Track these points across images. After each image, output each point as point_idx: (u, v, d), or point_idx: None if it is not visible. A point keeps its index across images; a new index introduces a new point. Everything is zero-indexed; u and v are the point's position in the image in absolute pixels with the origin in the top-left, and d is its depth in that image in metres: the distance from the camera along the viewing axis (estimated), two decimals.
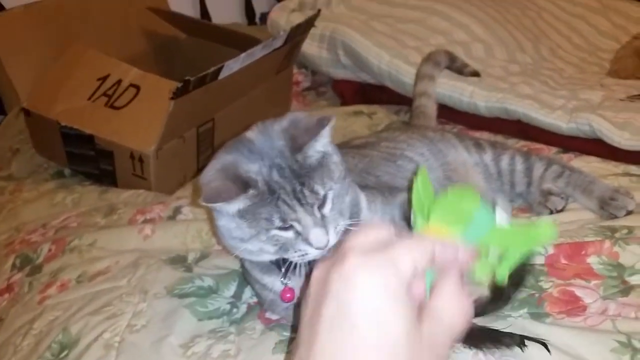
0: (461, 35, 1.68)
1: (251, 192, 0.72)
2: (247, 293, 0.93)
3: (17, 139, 1.65)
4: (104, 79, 1.38)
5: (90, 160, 1.37)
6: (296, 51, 1.60)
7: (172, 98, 1.20)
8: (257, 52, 1.34)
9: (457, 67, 1.50)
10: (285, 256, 0.76)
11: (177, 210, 1.20)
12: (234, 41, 1.57)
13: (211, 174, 0.76)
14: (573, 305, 0.76)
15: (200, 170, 1.41)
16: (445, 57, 1.49)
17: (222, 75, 1.27)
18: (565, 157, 1.20)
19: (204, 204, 0.72)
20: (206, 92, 1.27)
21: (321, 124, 0.75)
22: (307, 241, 0.73)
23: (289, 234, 0.74)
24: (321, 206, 0.74)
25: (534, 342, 0.68)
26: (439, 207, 0.57)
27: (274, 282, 0.82)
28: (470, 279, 0.62)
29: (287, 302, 0.81)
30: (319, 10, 1.56)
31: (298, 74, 1.86)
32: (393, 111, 1.61)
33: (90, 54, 1.43)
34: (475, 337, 0.69)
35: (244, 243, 0.75)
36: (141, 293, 0.94)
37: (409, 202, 0.61)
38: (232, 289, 0.94)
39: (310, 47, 1.71)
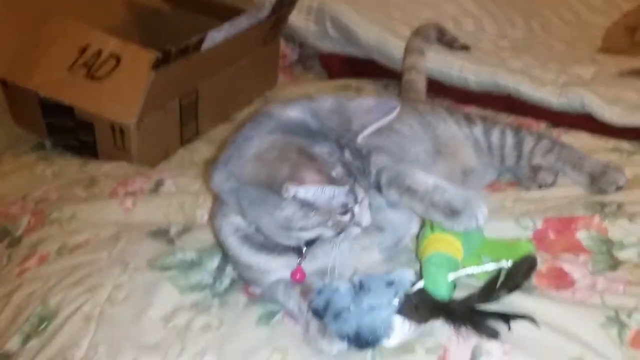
0: (451, 9, 1.66)
1: (339, 169, 0.69)
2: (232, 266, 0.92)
3: None
4: (83, 49, 1.34)
5: (70, 132, 1.34)
6: (283, 23, 1.56)
7: (152, 68, 1.17)
8: (241, 23, 1.31)
9: (447, 41, 1.47)
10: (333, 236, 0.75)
11: (159, 183, 1.18)
12: (220, 13, 1.52)
13: (290, 157, 0.69)
14: (561, 280, 0.75)
15: (184, 143, 1.40)
16: (435, 30, 1.47)
17: (205, 46, 1.24)
18: (555, 132, 1.19)
19: (289, 185, 0.67)
20: (188, 63, 1.24)
21: (389, 106, 0.73)
22: (357, 223, 0.74)
23: (347, 218, 0.73)
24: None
25: (521, 318, 0.66)
26: None
27: (270, 263, 0.80)
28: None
29: (297, 282, 0.80)
30: None
31: (285, 47, 1.82)
32: (381, 85, 1.58)
33: (71, 24, 1.38)
34: (458, 316, 0.67)
35: (303, 232, 0.73)
36: (122, 265, 0.93)
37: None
38: (215, 262, 0.92)
39: (297, 19, 1.67)
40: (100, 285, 0.89)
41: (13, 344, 0.85)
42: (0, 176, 1.35)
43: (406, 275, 0.72)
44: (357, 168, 0.71)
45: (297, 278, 0.79)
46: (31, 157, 1.40)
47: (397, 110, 0.73)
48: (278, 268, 0.80)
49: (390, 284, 0.71)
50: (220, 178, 0.76)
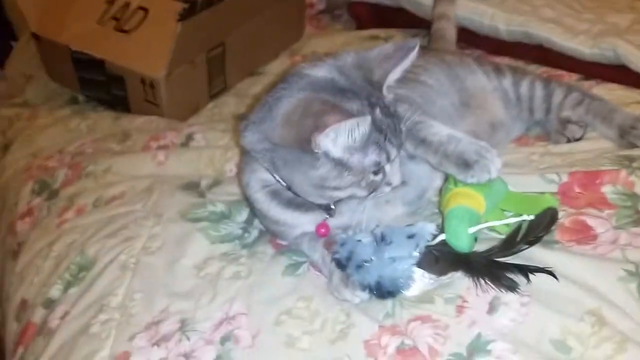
0: None
1: (367, 118, 0.69)
2: None
3: (29, 64, 1.64)
4: (111, 1, 1.35)
5: (102, 86, 1.36)
6: None
7: (179, 20, 1.17)
8: None
9: None
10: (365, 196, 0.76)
11: (189, 137, 1.20)
12: None
13: (317, 108, 0.69)
14: (584, 234, 0.76)
15: (212, 97, 1.41)
16: None
17: None
18: (587, 84, 1.16)
19: (316, 135, 0.67)
20: (214, 13, 1.24)
21: (407, 47, 0.73)
22: (388, 182, 0.75)
23: (379, 177, 0.74)
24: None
25: (540, 271, 0.68)
26: None
27: (297, 219, 0.83)
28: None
29: (322, 236, 0.82)
30: None
31: None
32: (411, 35, 1.55)
33: None
34: (478, 268, 0.69)
35: (337, 191, 0.74)
36: (155, 217, 0.96)
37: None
38: (244, 214, 0.95)
39: None
40: (135, 236, 0.93)
41: (55, 290, 0.91)
42: (38, 130, 1.40)
43: (427, 228, 0.74)
44: (388, 125, 0.72)
45: (322, 232, 0.81)
46: (66, 111, 1.45)
47: (416, 50, 0.73)
48: (305, 223, 0.82)
49: (411, 236, 0.72)
50: (253, 138, 0.77)
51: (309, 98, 0.71)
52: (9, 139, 1.42)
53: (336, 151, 0.70)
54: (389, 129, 0.71)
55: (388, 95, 0.74)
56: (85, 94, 1.45)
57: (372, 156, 0.71)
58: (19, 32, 1.93)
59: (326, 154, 0.70)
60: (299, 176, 0.75)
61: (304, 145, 0.69)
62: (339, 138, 0.69)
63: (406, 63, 0.74)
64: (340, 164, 0.71)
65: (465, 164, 0.74)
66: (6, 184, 1.28)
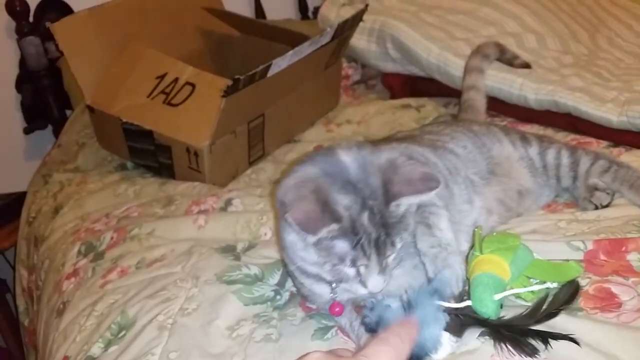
0: (513, 26, 1.66)
1: (334, 226, 0.71)
2: (290, 282, 0.98)
3: (82, 133, 1.76)
4: (162, 77, 1.46)
5: (150, 154, 1.46)
6: (344, 46, 1.63)
7: (223, 96, 1.26)
8: (304, 49, 1.38)
9: (508, 59, 1.49)
10: (335, 287, 0.78)
11: (228, 202, 1.26)
12: (284, 38, 1.61)
13: (302, 192, 0.73)
14: (608, 302, 0.76)
15: (251, 163, 1.49)
16: (495, 49, 1.48)
17: (271, 72, 1.32)
18: (615, 151, 1.18)
19: (291, 222, 0.70)
20: (256, 89, 1.33)
21: (428, 185, 0.74)
22: (363, 284, 0.75)
23: (351, 272, 0.75)
24: (389, 255, 0.75)
25: (563, 338, 0.68)
26: (489, 242, 0.80)
27: (322, 290, 0.83)
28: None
29: (335, 316, 0.83)
30: (367, 5, 1.58)
31: (348, 67, 1.89)
32: (442, 104, 1.61)
33: (149, 53, 1.51)
34: (501, 333, 0.70)
35: (305, 263, 0.77)
36: (193, 279, 1.01)
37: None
38: (276, 277, 0.99)
39: (359, 40, 1.73)
40: (173, 297, 0.97)
41: (96, 349, 0.95)
42: (87, 194, 1.49)
43: (445, 276, 0.75)
44: (368, 233, 0.72)
45: (337, 312, 0.82)
46: (114, 177, 1.54)
47: (434, 192, 0.74)
48: (322, 291, 0.83)
49: (433, 292, 0.74)
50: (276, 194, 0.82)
51: (312, 177, 0.75)
52: (60, 202, 1.51)
53: (296, 226, 0.71)
54: (365, 236, 0.72)
55: (395, 210, 0.74)
56: (133, 161, 1.54)
57: (338, 250, 0.72)
58: (75, 103, 2.08)
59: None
60: (282, 235, 0.79)
61: (281, 208, 0.73)
62: (300, 220, 0.70)
63: (424, 197, 0.75)
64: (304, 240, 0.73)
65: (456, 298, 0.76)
66: (55, 245, 1.35)
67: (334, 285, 0.80)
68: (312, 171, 0.76)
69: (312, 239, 0.71)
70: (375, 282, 0.75)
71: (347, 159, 0.77)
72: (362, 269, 0.74)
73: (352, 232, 0.72)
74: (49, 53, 2.14)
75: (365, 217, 0.72)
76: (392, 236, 0.74)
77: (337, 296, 0.82)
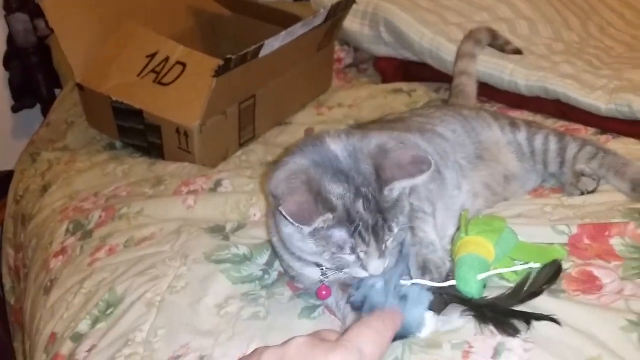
0: (506, 12, 1.66)
1: (329, 215, 0.72)
2: (279, 262, 0.98)
3: (72, 112, 1.75)
4: (152, 56, 1.45)
5: (139, 134, 1.45)
6: (337, 29, 1.62)
7: (214, 76, 1.25)
8: (297, 30, 1.38)
9: (500, 45, 1.49)
10: (336, 271, 0.79)
11: (218, 183, 1.26)
12: (277, 19, 1.61)
13: (294, 184, 0.73)
14: (590, 285, 0.77)
15: (242, 145, 1.49)
16: (487, 35, 1.48)
17: (263, 53, 1.32)
18: (603, 138, 1.19)
19: (285, 214, 0.70)
20: (247, 69, 1.32)
21: (420, 168, 0.74)
22: (364, 268, 0.76)
23: (351, 258, 0.76)
24: (388, 239, 0.76)
25: (545, 319, 0.70)
26: (475, 225, 0.81)
27: (311, 272, 0.85)
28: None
29: (322, 299, 0.84)
30: None
31: (340, 50, 1.88)
32: (433, 89, 1.62)
33: (140, 31, 1.50)
34: (484, 314, 0.71)
35: (304, 253, 0.78)
36: (182, 258, 1.01)
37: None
38: (265, 257, 0.99)
39: (352, 24, 1.72)
40: (162, 276, 0.98)
41: (84, 325, 0.95)
42: (76, 173, 1.48)
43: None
44: (364, 220, 0.73)
45: (323, 295, 0.83)
46: (103, 156, 1.53)
47: (426, 175, 0.74)
48: (312, 274, 0.85)
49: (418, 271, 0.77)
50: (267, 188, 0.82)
51: (303, 168, 0.75)
52: (48, 181, 1.50)
53: (290, 217, 0.72)
54: (362, 223, 0.72)
55: (389, 194, 0.75)
56: (123, 141, 1.53)
57: (336, 239, 0.73)
58: (64, 82, 2.06)
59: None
60: (279, 227, 0.79)
61: (276, 202, 0.74)
62: (294, 212, 0.71)
63: (417, 180, 0.75)
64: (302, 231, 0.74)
65: (424, 270, 0.78)
66: (43, 224, 1.35)
67: (324, 269, 0.81)
68: (302, 162, 0.76)
69: (308, 229, 0.72)
70: (375, 265, 0.76)
71: (337, 147, 0.77)
72: (362, 255, 0.75)
73: (348, 220, 0.72)
74: (38, 31, 2.12)
75: (360, 205, 0.73)
76: (389, 221, 0.75)
77: (327, 279, 0.83)
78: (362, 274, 0.77)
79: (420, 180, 0.75)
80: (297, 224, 0.71)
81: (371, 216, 0.73)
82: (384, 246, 0.75)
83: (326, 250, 0.75)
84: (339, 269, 0.77)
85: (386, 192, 0.75)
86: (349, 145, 0.77)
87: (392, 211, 0.75)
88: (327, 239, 0.74)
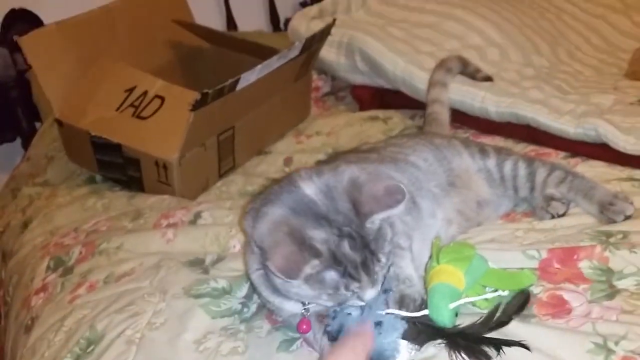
0: (476, 39, 1.70)
1: (315, 262, 0.73)
2: None
3: (52, 146, 1.76)
4: (130, 90, 1.47)
5: (118, 168, 1.46)
6: (313, 59, 1.65)
7: (191, 110, 1.27)
8: (273, 63, 1.40)
9: (470, 72, 1.53)
10: (308, 305, 0.82)
11: (197, 215, 1.27)
12: (254, 51, 1.64)
13: (277, 236, 0.74)
14: (559, 308, 0.79)
15: (221, 175, 1.50)
16: (458, 63, 1.52)
17: (240, 86, 1.34)
18: (573, 161, 1.22)
19: (275, 272, 0.72)
20: (225, 102, 1.34)
21: (396, 199, 0.76)
22: (360, 299, 0.78)
23: (348, 294, 0.77)
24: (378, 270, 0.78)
25: (514, 344, 0.72)
26: (445, 253, 0.84)
27: (291, 306, 0.86)
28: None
29: (303, 333, 0.85)
30: (334, 20, 1.61)
31: (318, 79, 1.92)
32: (408, 116, 1.65)
33: (118, 66, 1.52)
34: (455, 341, 0.73)
35: (302, 298, 0.79)
36: (161, 293, 1.02)
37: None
38: (244, 290, 1.01)
39: (328, 53, 1.76)
40: (141, 312, 0.98)
41: None
42: (56, 208, 1.48)
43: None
44: (351, 260, 0.75)
45: (304, 329, 0.84)
46: (83, 190, 1.54)
47: (402, 204, 0.76)
48: (291, 309, 0.86)
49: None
50: (248, 225, 0.84)
51: (283, 219, 0.76)
52: (29, 216, 1.51)
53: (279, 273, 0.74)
54: (350, 264, 0.74)
55: (371, 227, 0.77)
56: (102, 174, 1.54)
57: (329, 281, 0.75)
58: (44, 116, 2.07)
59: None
60: (270, 277, 0.80)
61: (263, 257, 0.75)
62: (283, 266, 0.73)
63: (393, 211, 0.77)
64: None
65: (401, 304, 0.80)
66: (24, 260, 1.35)
67: (306, 302, 0.83)
68: (280, 212, 0.78)
69: (297, 282, 0.74)
70: (370, 294, 0.78)
71: (311, 191, 0.79)
72: (356, 290, 0.77)
73: (335, 263, 0.74)
74: (18, 64, 2.12)
75: (346, 245, 0.75)
76: (376, 253, 0.77)
77: (308, 312, 0.84)
78: (359, 303, 0.79)
79: (397, 210, 0.77)
80: (287, 279, 0.73)
81: (358, 254, 0.75)
82: (374, 277, 0.78)
83: (322, 293, 0.76)
84: (340, 304, 0.79)
85: (368, 224, 0.77)
86: (322, 186, 0.79)
87: (377, 243, 0.77)
88: (321, 282, 0.75)
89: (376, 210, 0.76)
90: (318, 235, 0.74)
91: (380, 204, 0.76)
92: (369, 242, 0.76)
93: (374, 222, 0.77)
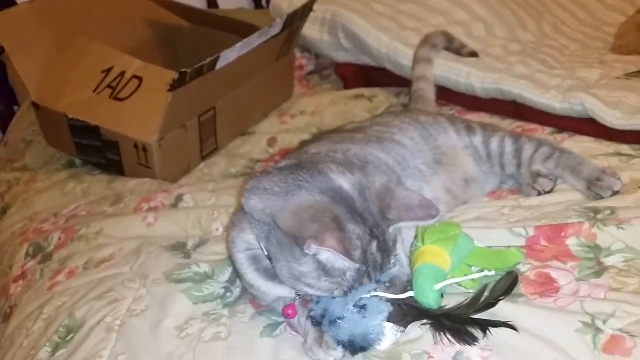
0: (461, 14, 1.68)
1: (357, 256, 0.74)
2: None
3: (29, 130, 1.71)
4: (108, 71, 1.42)
5: (97, 151, 1.42)
6: (296, 37, 1.62)
7: (169, 90, 1.24)
8: (253, 41, 1.37)
9: (455, 48, 1.50)
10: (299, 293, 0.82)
11: (179, 198, 1.25)
12: (235, 29, 1.59)
13: (324, 221, 0.73)
14: (547, 287, 0.78)
15: (204, 157, 1.47)
16: (443, 38, 1.50)
17: (220, 65, 1.30)
18: (559, 137, 1.21)
19: (312, 242, 0.71)
20: (205, 82, 1.31)
21: (429, 213, 0.76)
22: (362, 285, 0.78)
23: (354, 284, 0.77)
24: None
25: (501, 325, 0.70)
26: (431, 233, 0.82)
27: (275, 289, 0.85)
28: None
29: (289, 319, 0.84)
30: None
31: (302, 57, 1.88)
32: (393, 94, 1.62)
33: (95, 47, 1.47)
34: (441, 323, 0.72)
35: (309, 287, 0.78)
36: (142, 279, 1.00)
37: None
38: (227, 274, 0.98)
39: (311, 31, 1.72)
40: (122, 298, 0.96)
41: (44, 353, 0.93)
42: (35, 194, 1.45)
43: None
44: (374, 261, 0.76)
45: (289, 314, 0.83)
46: (63, 175, 1.50)
47: (437, 219, 0.77)
48: (278, 293, 0.85)
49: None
50: (257, 206, 0.80)
51: (325, 206, 0.75)
52: (7, 202, 1.47)
53: (321, 260, 0.74)
54: (371, 265, 0.76)
55: (393, 232, 0.79)
56: (81, 158, 1.50)
57: (348, 277, 0.76)
58: (21, 99, 2.02)
59: (313, 258, 0.74)
60: (283, 261, 0.78)
61: (299, 241, 0.73)
62: (328, 254, 0.73)
63: (423, 224, 0.80)
64: (322, 270, 0.75)
65: (391, 284, 0.81)
66: (2, 247, 1.32)
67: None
68: (318, 198, 0.76)
69: (353, 265, 0.74)
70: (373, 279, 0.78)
71: (347, 184, 0.78)
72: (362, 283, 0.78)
73: (363, 262, 0.75)
74: None
75: (374, 246, 0.76)
76: (391, 257, 0.79)
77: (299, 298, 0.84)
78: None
79: (427, 223, 0.79)
80: (346, 259, 0.72)
81: (380, 256, 0.76)
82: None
83: (339, 288, 0.76)
84: (346, 294, 0.79)
85: (391, 230, 0.78)
86: (357, 184, 0.78)
87: (394, 247, 0.79)
88: (343, 276, 0.75)
89: (405, 219, 0.77)
90: (355, 231, 0.75)
91: (411, 214, 0.77)
92: (389, 248, 0.78)
93: (397, 229, 0.79)
